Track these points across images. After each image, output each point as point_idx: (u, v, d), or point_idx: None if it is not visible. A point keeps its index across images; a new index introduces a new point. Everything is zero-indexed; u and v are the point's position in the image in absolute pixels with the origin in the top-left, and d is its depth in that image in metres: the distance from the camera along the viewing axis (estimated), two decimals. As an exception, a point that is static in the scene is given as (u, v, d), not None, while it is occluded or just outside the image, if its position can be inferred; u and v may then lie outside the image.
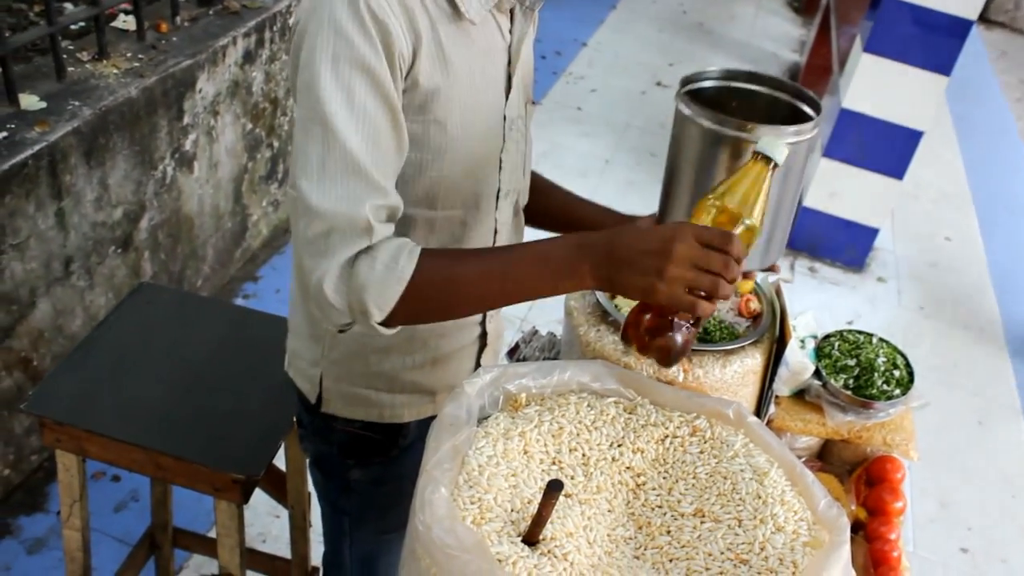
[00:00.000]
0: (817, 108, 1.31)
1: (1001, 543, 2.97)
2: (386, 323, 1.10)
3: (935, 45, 3.66)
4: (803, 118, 1.30)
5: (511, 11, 1.25)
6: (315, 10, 1.07)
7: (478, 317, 1.43)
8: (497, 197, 1.33)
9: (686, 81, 1.34)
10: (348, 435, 1.43)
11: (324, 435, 1.45)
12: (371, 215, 1.07)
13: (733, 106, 1.35)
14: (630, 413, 1.18)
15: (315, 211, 1.07)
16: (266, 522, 2.55)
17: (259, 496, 2.03)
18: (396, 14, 1.07)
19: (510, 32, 1.26)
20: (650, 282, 1.02)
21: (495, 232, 1.36)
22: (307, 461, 1.53)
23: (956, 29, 3.61)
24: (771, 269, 1.45)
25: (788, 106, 1.35)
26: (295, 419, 1.54)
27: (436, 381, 1.42)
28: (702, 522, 1.08)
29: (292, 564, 2.07)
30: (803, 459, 1.71)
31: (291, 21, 2.77)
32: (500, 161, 1.30)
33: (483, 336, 1.46)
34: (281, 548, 2.40)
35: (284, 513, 2.20)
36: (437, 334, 1.38)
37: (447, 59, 1.15)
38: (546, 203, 1.52)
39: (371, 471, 1.47)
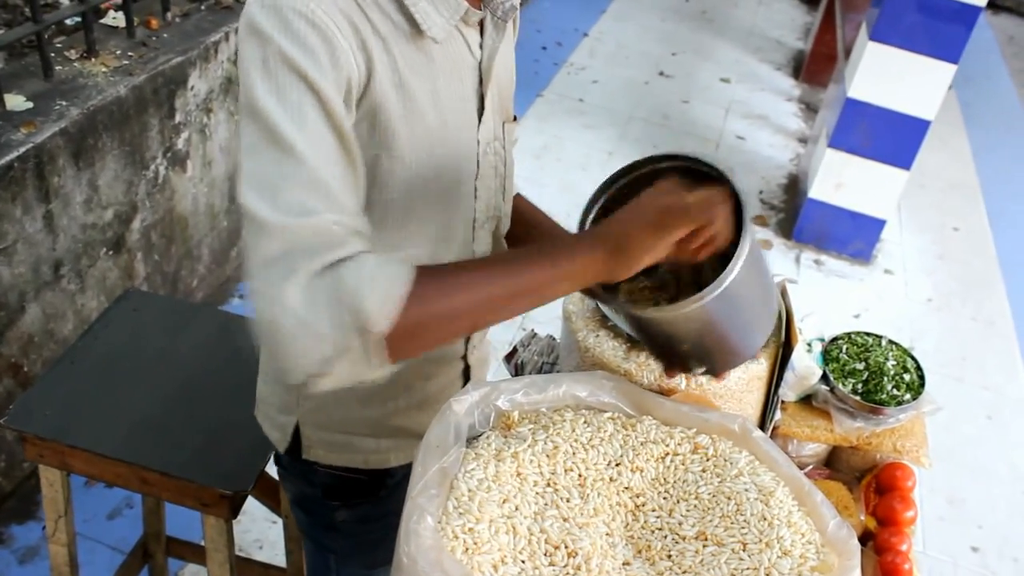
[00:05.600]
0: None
1: (1012, 541, 2.92)
2: (389, 342, 0.89)
3: (942, 33, 3.60)
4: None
5: (481, 24, 1.12)
6: (247, 27, 0.94)
7: (460, 350, 1.34)
8: (473, 227, 1.22)
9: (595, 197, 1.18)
10: (332, 477, 1.34)
11: (306, 477, 1.36)
12: (340, 229, 0.90)
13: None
14: (629, 429, 1.13)
15: (270, 227, 0.87)
16: (263, 528, 2.50)
17: (255, 501, 1.99)
18: (342, 29, 0.94)
19: (480, 47, 1.13)
20: (667, 216, 0.99)
21: None
22: (288, 499, 1.45)
23: (964, 16, 3.54)
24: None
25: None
26: (274, 457, 1.44)
27: (423, 424, 1.31)
28: (704, 546, 1.03)
29: (287, 575, 2.03)
30: (810, 466, 1.66)
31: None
32: (475, 189, 1.19)
33: (466, 370, 1.38)
34: (278, 555, 2.36)
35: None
36: (421, 375, 1.29)
37: (404, 84, 1.02)
38: (526, 231, 1.39)
39: (357, 511, 1.38)
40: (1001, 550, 2.88)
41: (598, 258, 0.99)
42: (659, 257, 1.00)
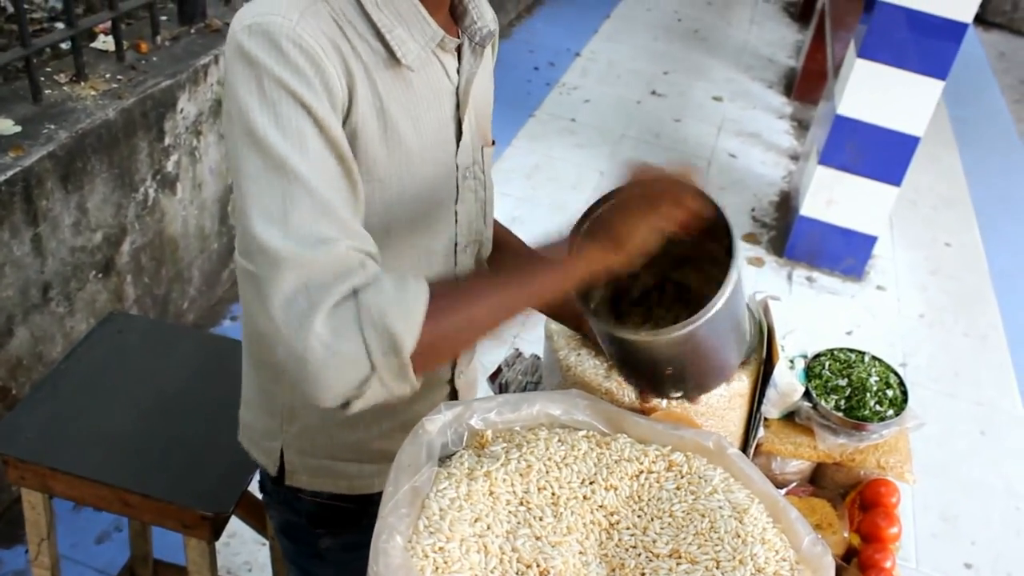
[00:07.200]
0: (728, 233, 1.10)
1: (1006, 557, 2.91)
2: (414, 358, 0.93)
3: (930, 49, 3.62)
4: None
5: (458, 49, 1.14)
6: (237, 54, 0.96)
7: (446, 375, 1.34)
8: (455, 252, 1.23)
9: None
10: (316, 505, 1.33)
11: (290, 505, 1.35)
12: (355, 254, 0.93)
13: None
14: (603, 448, 1.13)
15: (285, 260, 0.90)
16: (252, 550, 2.49)
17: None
18: (328, 53, 0.96)
19: (457, 72, 1.14)
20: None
21: None
22: (273, 527, 1.43)
23: (951, 32, 3.56)
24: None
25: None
26: (259, 485, 1.44)
27: None
28: (678, 563, 1.03)
29: (274, 597, 2.02)
30: (794, 483, 1.66)
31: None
32: (455, 214, 1.21)
33: (453, 393, 1.38)
34: (267, 577, 2.35)
35: (268, 542, 2.15)
36: (406, 399, 1.31)
37: (385, 110, 1.04)
38: (502, 256, 1.40)
39: (342, 539, 1.36)
40: (995, 566, 2.86)
41: (600, 253, 1.04)
42: (657, 239, 1.04)
